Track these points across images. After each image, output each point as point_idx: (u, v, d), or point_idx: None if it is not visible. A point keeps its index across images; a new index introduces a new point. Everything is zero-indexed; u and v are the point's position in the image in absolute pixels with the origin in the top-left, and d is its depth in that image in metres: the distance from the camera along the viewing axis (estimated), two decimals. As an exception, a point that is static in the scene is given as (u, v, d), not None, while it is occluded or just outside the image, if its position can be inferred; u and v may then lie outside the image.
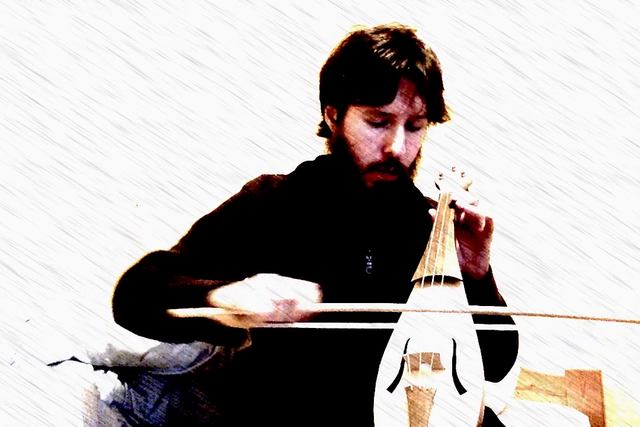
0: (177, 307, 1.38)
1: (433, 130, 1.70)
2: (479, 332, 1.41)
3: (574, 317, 1.42)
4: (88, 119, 2.50)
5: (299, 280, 1.38)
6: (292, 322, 1.37)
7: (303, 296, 1.35)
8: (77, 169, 2.47)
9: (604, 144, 2.88)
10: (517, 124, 2.86)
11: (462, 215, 1.53)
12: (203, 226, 1.65)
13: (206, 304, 1.39)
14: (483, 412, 1.31)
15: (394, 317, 1.44)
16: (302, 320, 1.37)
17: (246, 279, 1.39)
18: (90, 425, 1.82)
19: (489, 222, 1.52)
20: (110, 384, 1.92)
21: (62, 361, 1.88)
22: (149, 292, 1.49)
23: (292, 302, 1.34)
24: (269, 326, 1.36)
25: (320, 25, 2.66)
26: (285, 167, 1.77)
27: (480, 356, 1.37)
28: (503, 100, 2.86)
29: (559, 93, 2.88)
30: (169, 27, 2.61)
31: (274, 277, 1.38)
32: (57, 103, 2.48)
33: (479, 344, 1.39)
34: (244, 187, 1.69)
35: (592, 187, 2.85)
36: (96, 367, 1.93)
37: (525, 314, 1.52)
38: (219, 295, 1.39)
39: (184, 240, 1.65)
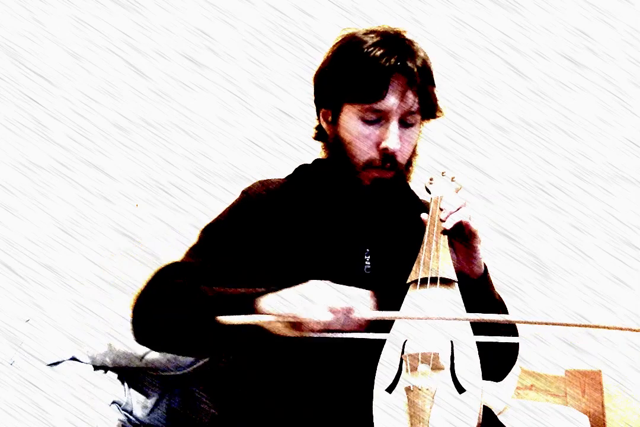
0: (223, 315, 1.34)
1: (432, 130, 1.71)
2: (478, 329, 1.42)
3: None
4: (88, 119, 2.50)
5: (354, 287, 1.36)
6: (346, 330, 1.34)
7: (358, 303, 1.33)
8: (77, 169, 2.48)
9: (604, 144, 2.88)
10: (517, 124, 2.86)
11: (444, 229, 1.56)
12: (212, 233, 1.63)
13: (255, 311, 1.35)
14: (482, 411, 1.31)
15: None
16: (357, 328, 1.35)
17: (298, 286, 1.37)
18: (90, 425, 1.82)
19: (467, 226, 1.54)
20: (110, 384, 1.92)
21: (62, 361, 1.88)
22: (187, 304, 1.45)
23: (349, 310, 1.32)
24: (322, 334, 1.34)
25: (320, 25, 2.66)
26: (285, 167, 1.77)
27: (478, 355, 1.37)
28: (503, 100, 2.86)
29: (559, 93, 2.88)
30: (169, 27, 2.61)
31: (327, 284, 1.36)
32: (57, 103, 2.48)
33: (480, 344, 1.40)
34: (243, 192, 1.69)
35: (592, 187, 2.86)
36: (96, 367, 1.93)
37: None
38: (271, 302, 1.36)
39: (195, 249, 1.61)
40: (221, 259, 1.58)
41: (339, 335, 1.37)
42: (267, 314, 1.34)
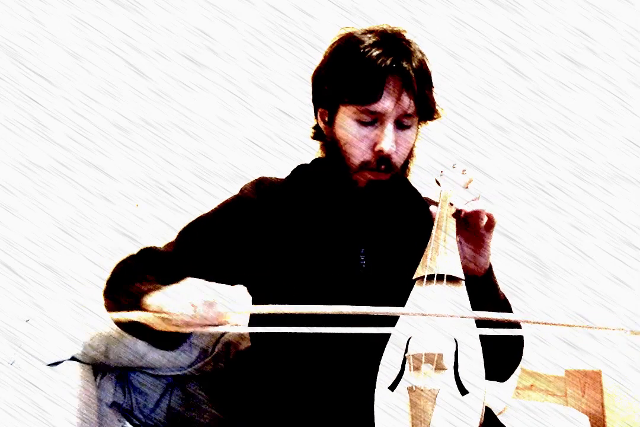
0: (125, 309, 1.45)
1: (433, 130, 1.70)
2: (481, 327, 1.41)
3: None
4: (88, 119, 2.50)
5: (224, 285, 1.44)
6: (211, 324, 1.38)
7: (223, 298, 1.38)
8: (77, 169, 2.48)
9: (604, 144, 2.88)
10: (517, 124, 2.86)
11: (462, 214, 1.53)
12: (195, 226, 1.69)
13: (142, 308, 1.44)
14: (484, 412, 1.31)
15: (393, 317, 1.44)
16: (221, 322, 1.39)
17: (175, 284, 1.43)
18: (90, 425, 1.82)
19: (490, 217, 1.52)
20: (110, 384, 1.92)
21: (62, 361, 1.87)
22: (117, 291, 1.58)
23: (210, 304, 1.37)
24: (193, 329, 1.39)
25: (320, 25, 2.66)
26: (285, 167, 1.77)
27: (481, 356, 1.37)
28: (503, 100, 2.86)
29: (559, 93, 2.88)
30: (169, 27, 2.61)
31: (198, 281, 1.42)
32: (57, 103, 2.48)
33: (485, 343, 1.39)
34: (240, 190, 1.71)
35: (592, 187, 2.85)
36: (96, 367, 1.92)
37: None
38: (149, 299, 1.43)
39: (176, 238, 1.70)
40: (195, 252, 1.64)
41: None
42: (144, 311, 1.42)
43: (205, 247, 1.64)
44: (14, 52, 2.46)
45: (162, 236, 2.48)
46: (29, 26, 2.48)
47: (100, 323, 1.92)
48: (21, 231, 2.37)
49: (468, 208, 1.51)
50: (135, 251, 1.70)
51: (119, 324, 1.58)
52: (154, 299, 1.43)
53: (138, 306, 1.45)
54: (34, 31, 2.48)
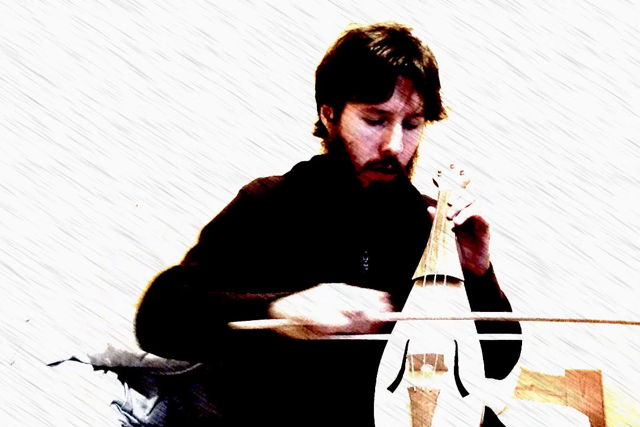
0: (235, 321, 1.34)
1: (433, 130, 1.70)
2: (482, 327, 1.41)
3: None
4: (88, 119, 2.51)
5: (366, 289, 1.36)
6: (360, 333, 1.34)
7: (371, 305, 1.33)
8: (77, 169, 2.48)
9: (604, 144, 2.88)
10: (517, 124, 2.86)
11: (454, 226, 1.53)
12: (211, 235, 1.62)
13: (268, 316, 1.36)
14: (484, 412, 1.31)
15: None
16: (371, 330, 1.35)
17: (309, 290, 1.37)
18: (90, 425, 1.82)
19: (480, 220, 1.52)
20: (110, 384, 1.92)
21: (62, 361, 1.88)
22: (197, 310, 1.45)
23: (361, 313, 1.32)
24: (335, 337, 1.34)
25: (320, 25, 2.66)
26: (285, 167, 1.77)
27: (482, 357, 1.36)
28: (503, 100, 2.86)
29: (559, 93, 2.88)
30: (169, 27, 2.61)
31: (339, 287, 1.37)
32: (57, 103, 2.48)
33: (484, 341, 1.39)
34: (241, 191, 1.67)
35: (592, 187, 2.86)
36: (96, 367, 1.93)
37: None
38: (283, 306, 1.36)
39: (194, 252, 1.60)
40: (221, 261, 1.56)
41: (344, 337, 1.37)
42: (282, 318, 1.34)
43: (228, 254, 1.57)
44: (14, 52, 2.46)
45: (162, 236, 2.49)
46: (29, 26, 2.48)
47: (100, 323, 1.92)
48: (21, 231, 2.37)
49: (459, 220, 1.51)
50: (155, 276, 1.53)
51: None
52: (290, 307, 1.35)
53: (257, 314, 1.35)
54: (34, 31, 2.48)
